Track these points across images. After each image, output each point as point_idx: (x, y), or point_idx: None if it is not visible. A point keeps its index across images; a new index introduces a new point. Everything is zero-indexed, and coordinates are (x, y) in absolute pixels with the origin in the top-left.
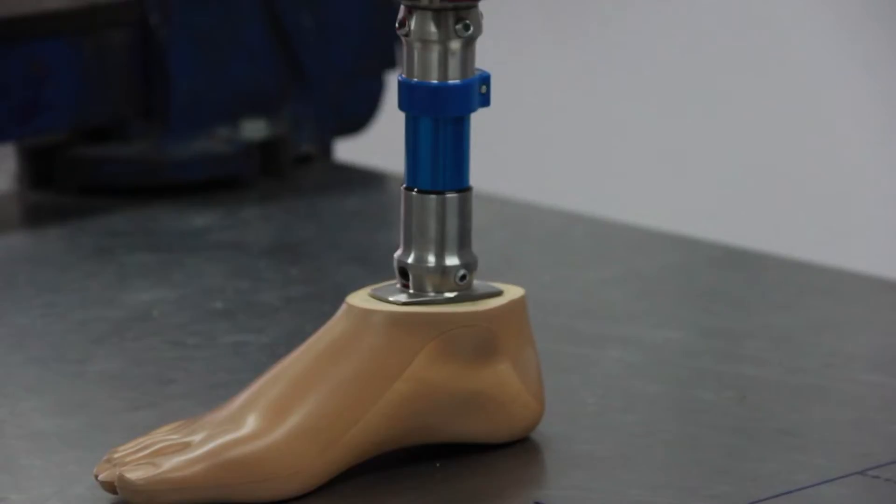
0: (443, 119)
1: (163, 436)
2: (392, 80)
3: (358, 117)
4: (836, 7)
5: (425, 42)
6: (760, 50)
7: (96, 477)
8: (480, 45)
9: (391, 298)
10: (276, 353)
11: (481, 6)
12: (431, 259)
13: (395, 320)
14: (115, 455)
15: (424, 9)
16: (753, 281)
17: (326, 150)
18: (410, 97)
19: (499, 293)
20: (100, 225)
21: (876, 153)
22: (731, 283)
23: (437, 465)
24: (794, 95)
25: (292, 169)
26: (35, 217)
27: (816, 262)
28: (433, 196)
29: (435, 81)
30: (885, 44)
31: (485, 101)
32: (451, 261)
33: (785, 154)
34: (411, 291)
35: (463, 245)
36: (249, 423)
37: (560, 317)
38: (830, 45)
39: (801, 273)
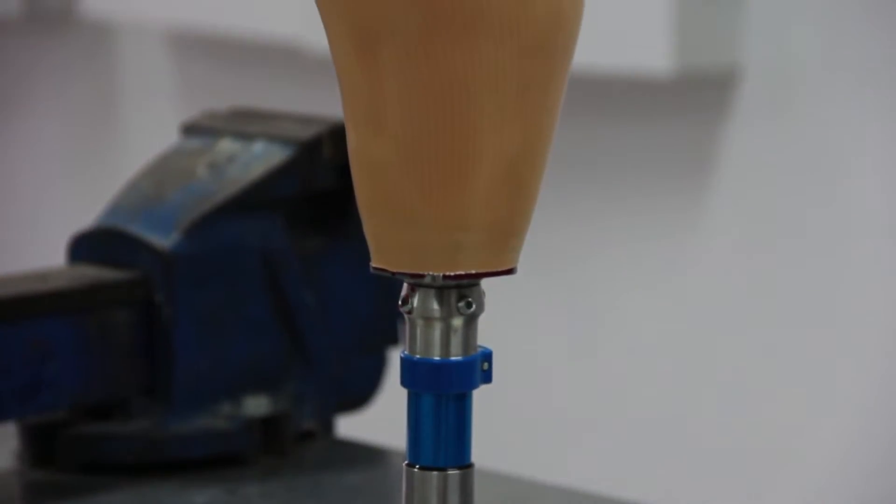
0: (445, 396)
1: None
2: (394, 357)
3: (360, 394)
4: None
5: (428, 319)
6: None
7: None
8: (483, 320)
9: None
10: None
11: (484, 284)
12: None
13: None
14: None
15: (427, 286)
16: None
17: (328, 427)
18: (413, 374)
19: None
20: (100, 503)
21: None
22: None
23: None
24: (795, 379)
25: (294, 445)
26: (35, 495)
27: None
28: (435, 473)
29: (437, 358)
30: None
31: (487, 377)
32: None
33: (792, 434)
34: None
35: None
36: None
37: None
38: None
39: None
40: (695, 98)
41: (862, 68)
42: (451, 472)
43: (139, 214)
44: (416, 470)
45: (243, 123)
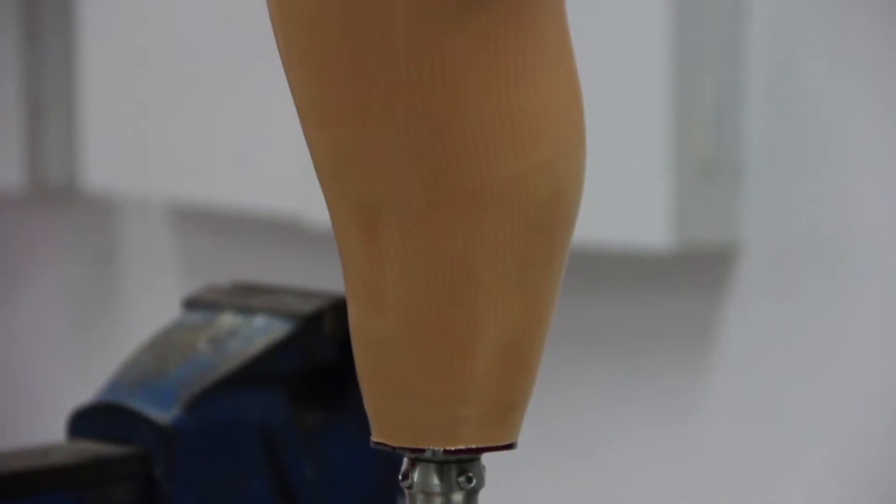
0: None
1: None
2: None
3: None
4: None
5: (428, 494)
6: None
7: None
8: (484, 494)
9: None
10: None
11: (484, 457)
12: None
13: None
14: None
15: (427, 461)
16: None
17: None
18: None
19: None
20: None
21: None
22: None
23: None
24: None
25: None
26: None
27: None
28: None
29: None
30: None
31: None
32: None
33: None
34: None
35: None
36: None
37: None
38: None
39: None
40: (694, 273)
41: (865, 243)
42: None
43: (139, 389)
44: None
45: (245, 297)
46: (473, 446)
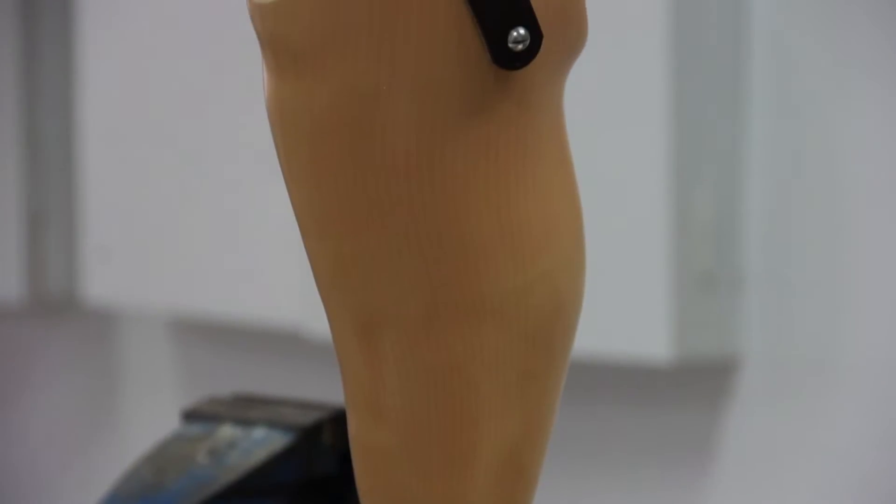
0: None
1: None
2: None
3: None
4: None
5: None
6: None
7: None
8: None
9: None
10: None
11: None
12: None
13: None
14: None
15: None
16: None
17: None
18: None
19: None
20: None
21: None
22: None
23: None
24: None
25: None
26: None
27: None
28: None
29: None
30: None
31: None
32: None
33: None
34: None
35: None
36: None
37: None
38: None
39: None
40: (694, 385)
41: (864, 357)
42: None
43: (138, 502)
44: None
45: (244, 409)
46: None
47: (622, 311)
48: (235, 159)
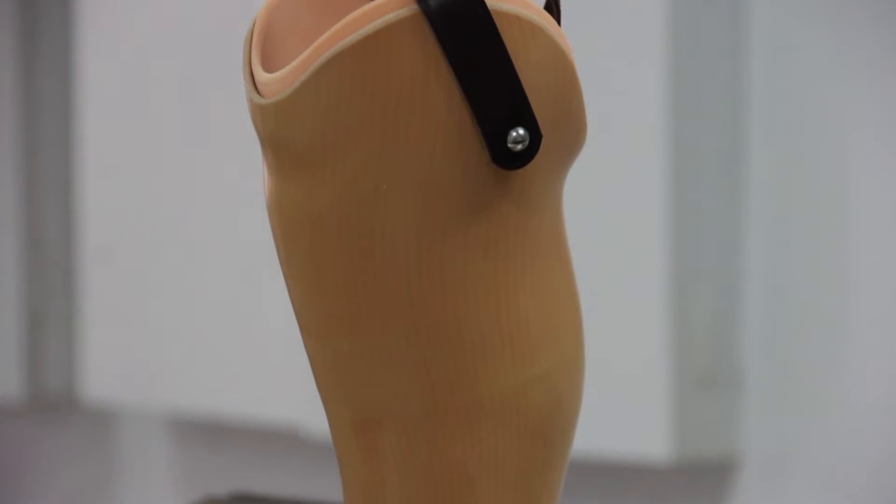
0: None
1: None
2: None
3: None
4: None
5: None
6: None
7: None
8: None
9: None
10: None
11: None
12: None
13: None
14: None
15: None
16: None
17: None
18: None
19: None
20: None
21: None
22: None
23: None
24: None
25: None
26: None
27: None
28: None
29: None
30: None
31: None
32: None
33: None
34: None
35: None
36: None
37: None
38: None
39: None
40: (694, 485)
41: (864, 458)
42: None
43: None
44: None
45: None
46: None
47: (622, 410)
48: (236, 255)
